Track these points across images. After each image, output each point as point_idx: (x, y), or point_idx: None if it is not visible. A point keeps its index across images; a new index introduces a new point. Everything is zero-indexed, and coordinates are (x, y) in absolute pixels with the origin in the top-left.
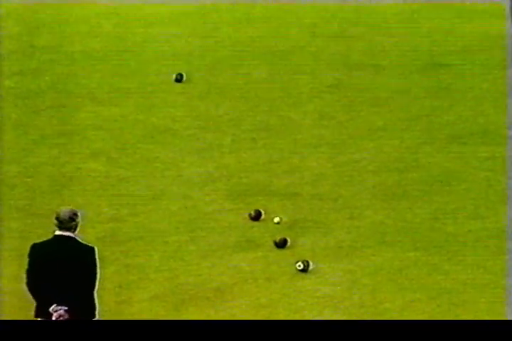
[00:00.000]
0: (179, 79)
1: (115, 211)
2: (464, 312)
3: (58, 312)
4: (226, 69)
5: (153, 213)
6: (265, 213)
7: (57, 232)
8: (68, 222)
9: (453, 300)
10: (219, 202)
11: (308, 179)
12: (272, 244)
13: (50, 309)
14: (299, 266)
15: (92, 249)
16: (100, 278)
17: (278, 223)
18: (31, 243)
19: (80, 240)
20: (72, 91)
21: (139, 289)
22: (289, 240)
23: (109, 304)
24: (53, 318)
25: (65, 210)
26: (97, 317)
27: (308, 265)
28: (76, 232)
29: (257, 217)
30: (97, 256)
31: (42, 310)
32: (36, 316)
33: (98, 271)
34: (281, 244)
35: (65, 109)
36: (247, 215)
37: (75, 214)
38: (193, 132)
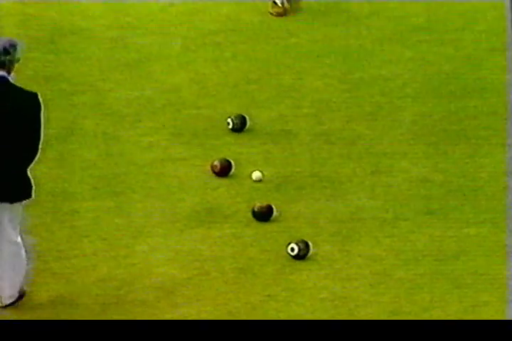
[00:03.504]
0: (238, 126)
1: None
2: None
3: None
4: None
5: (56, 164)
6: (237, 165)
7: None
8: (2, 54)
9: None
10: (162, 147)
11: (306, 108)
12: (250, 214)
13: None
14: (293, 249)
15: (34, 97)
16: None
17: (259, 180)
18: None
19: (16, 84)
20: None
21: (33, 287)
22: (275, 208)
23: None
24: None
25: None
26: (32, 197)
27: (306, 248)
28: (12, 75)
29: (224, 170)
30: (42, 109)
31: None
32: None
33: (42, 132)
34: (264, 215)
35: None
36: (208, 168)
37: (13, 46)
38: (119, 34)
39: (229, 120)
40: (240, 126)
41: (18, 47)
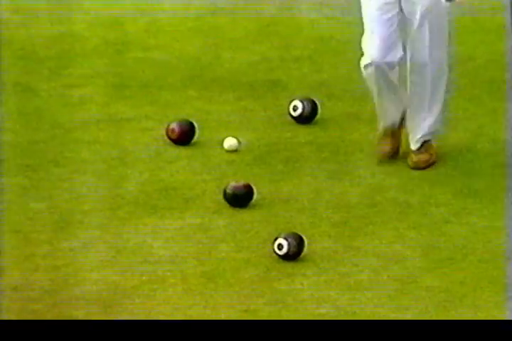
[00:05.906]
0: (308, 114)
1: None
2: None
3: None
4: None
5: None
6: (203, 128)
7: None
8: None
9: None
10: (98, 103)
11: (298, 50)
12: (221, 196)
13: None
14: (281, 246)
15: None
16: None
17: (233, 150)
18: None
19: None
20: None
21: None
22: (255, 189)
23: None
24: None
25: None
26: None
27: (299, 245)
28: None
29: (184, 135)
30: None
31: None
32: None
33: None
34: (240, 198)
35: None
36: (163, 132)
37: None
38: None
39: (297, 103)
40: (311, 113)
41: None
